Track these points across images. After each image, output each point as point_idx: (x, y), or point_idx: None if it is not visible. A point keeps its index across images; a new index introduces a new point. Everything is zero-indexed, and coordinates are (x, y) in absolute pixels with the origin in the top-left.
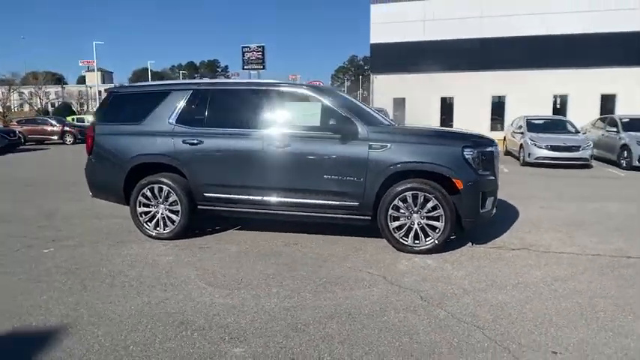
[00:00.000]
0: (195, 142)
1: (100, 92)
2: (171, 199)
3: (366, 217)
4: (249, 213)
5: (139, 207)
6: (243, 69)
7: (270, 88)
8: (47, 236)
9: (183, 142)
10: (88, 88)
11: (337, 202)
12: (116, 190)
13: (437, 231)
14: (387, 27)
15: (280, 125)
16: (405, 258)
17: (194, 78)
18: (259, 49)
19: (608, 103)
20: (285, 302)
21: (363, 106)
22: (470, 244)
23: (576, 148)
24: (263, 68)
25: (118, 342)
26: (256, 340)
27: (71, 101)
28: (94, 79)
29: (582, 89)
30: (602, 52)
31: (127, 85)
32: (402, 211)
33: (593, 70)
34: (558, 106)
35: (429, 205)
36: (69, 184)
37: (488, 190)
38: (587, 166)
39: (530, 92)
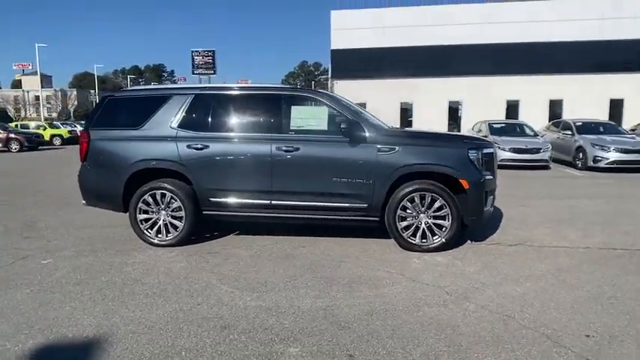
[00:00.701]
0: (200, 146)
1: (37, 97)
2: (174, 205)
3: (375, 218)
4: (256, 217)
5: (140, 214)
6: (193, 74)
7: (278, 92)
8: (39, 247)
9: (188, 146)
10: (25, 93)
11: (346, 204)
12: (114, 197)
13: (443, 230)
14: (347, 33)
15: (289, 129)
16: (414, 257)
17: (139, 83)
18: (209, 54)
19: (555, 107)
20: (319, 302)
21: (365, 111)
22: (469, 241)
23: (537, 151)
24: (214, 73)
25: (167, 349)
26: (307, 339)
27: (7, 106)
28: (30, 83)
29: (532, 95)
30: (550, 60)
31: (122, 89)
32: (409, 211)
33: (542, 76)
34: (510, 111)
35: (436, 205)
36: (34, 192)
37: (490, 189)
38: (547, 168)
39: (484, 98)
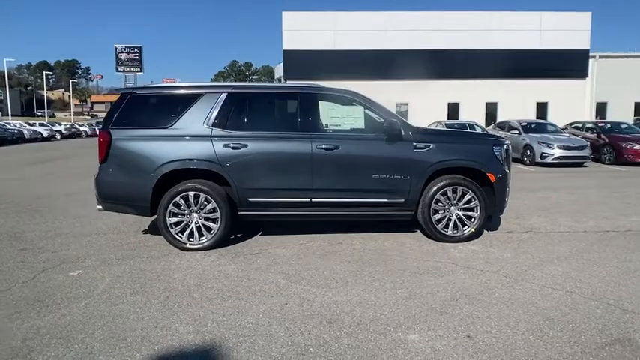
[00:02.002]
0: (238, 145)
1: None
2: (208, 207)
3: (410, 212)
4: (296, 215)
5: (170, 217)
6: (117, 71)
7: (315, 92)
8: (49, 259)
9: (225, 146)
10: None
11: (385, 200)
12: (141, 200)
13: (472, 220)
14: (299, 35)
15: (327, 128)
16: (450, 247)
17: (49, 78)
18: (135, 50)
19: (491, 109)
20: (400, 292)
21: (393, 111)
22: (486, 231)
23: None
24: (140, 70)
25: (291, 347)
26: (417, 325)
27: None
28: None
29: (472, 98)
30: (488, 65)
31: (144, 86)
32: (441, 204)
33: (480, 81)
34: (451, 112)
35: (466, 197)
36: None
37: (509, 182)
38: None
39: (429, 100)
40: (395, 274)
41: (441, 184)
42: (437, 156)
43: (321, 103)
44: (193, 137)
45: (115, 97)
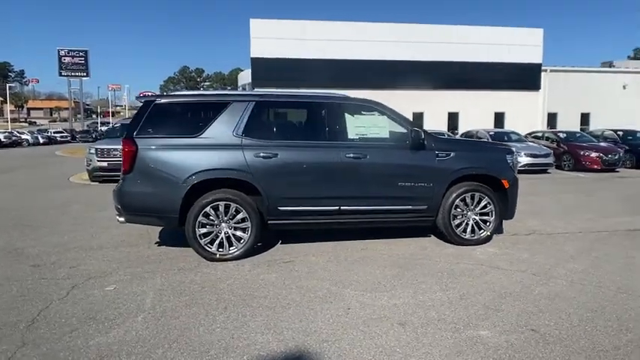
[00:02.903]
0: (269, 155)
1: None
2: (239, 217)
3: (431, 218)
4: (324, 224)
5: (200, 228)
6: (61, 75)
7: (341, 101)
8: (70, 274)
9: (256, 155)
10: None
11: (409, 207)
12: (169, 210)
13: (488, 224)
14: (267, 42)
15: (355, 137)
16: (469, 250)
17: None
18: (81, 54)
19: (453, 119)
20: (450, 293)
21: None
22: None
23: None
24: (86, 75)
25: (377, 348)
26: (482, 322)
27: None
28: None
29: (435, 107)
30: (450, 77)
31: (168, 94)
32: (459, 209)
33: (443, 91)
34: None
35: (482, 203)
36: None
37: (518, 187)
38: None
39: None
40: (434, 277)
41: (460, 190)
42: (457, 164)
43: (349, 113)
44: (224, 146)
45: (55, 104)
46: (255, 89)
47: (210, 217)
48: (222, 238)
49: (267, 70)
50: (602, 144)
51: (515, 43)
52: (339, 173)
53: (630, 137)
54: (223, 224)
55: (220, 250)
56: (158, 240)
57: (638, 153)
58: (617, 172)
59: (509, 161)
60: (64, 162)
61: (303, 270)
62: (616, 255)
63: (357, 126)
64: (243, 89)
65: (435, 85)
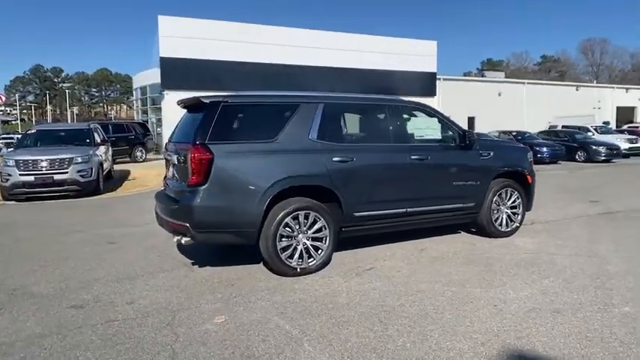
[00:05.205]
0: (347, 159)
1: None
2: (316, 226)
3: (476, 215)
4: (391, 227)
5: (280, 241)
6: None
7: (403, 104)
8: (145, 311)
9: (334, 160)
10: None
11: (460, 205)
12: (250, 224)
13: (517, 217)
14: (178, 41)
15: (416, 138)
16: (508, 241)
17: None
18: None
19: None
20: (552, 282)
21: None
22: None
23: None
24: None
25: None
26: (613, 301)
27: None
28: None
29: None
30: (358, 84)
31: (236, 94)
32: (495, 205)
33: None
34: None
35: (513, 197)
36: None
37: None
38: None
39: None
40: (519, 268)
41: (497, 187)
42: (497, 162)
43: (408, 115)
44: (302, 151)
45: None
46: (166, 90)
47: (290, 229)
48: (301, 251)
49: (179, 71)
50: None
51: (416, 54)
52: (407, 175)
53: (520, 137)
54: (300, 235)
55: (299, 262)
56: (193, 261)
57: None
58: None
59: (529, 159)
60: None
61: (396, 275)
62: (632, 235)
63: (416, 128)
64: (143, 93)
65: (342, 92)
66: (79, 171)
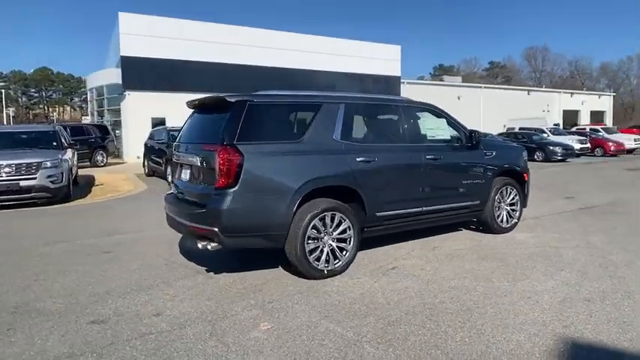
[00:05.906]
0: (370, 159)
1: None
2: (342, 227)
3: (479, 212)
4: (406, 226)
5: (308, 243)
6: None
7: (414, 105)
8: (177, 323)
9: (358, 160)
10: None
11: (467, 203)
12: (279, 227)
13: (515, 213)
14: (140, 40)
15: (428, 139)
16: (510, 236)
17: None
18: None
19: None
20: (570, 275)
21: None
22: None
23: None
24: None
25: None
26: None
27: None
28: None
29: None
30: (321, 85)
31: (259, 93)
32: (496, 202)
33: None
34: None
35: (512, 195)
36: None
37: None
38: None
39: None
40: (534, 262)
41: (499, 185)
42: (498, 161)
43: (419, 116)
44: (327, 151)
45: None
46: (127, 90)
47: (316, 231)
48: (327, 252)
49: (142, 71)
50: None
51: (381, 58)
52: (423, 175)
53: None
54: (326, 237)
55: (325, 264)
56: (205, 268)
57: None
58: None
59: (524, 157)
60: None
61: (421, 273)
62: (617, 226)
63: (427, 128)
64: (99, 94)
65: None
66: (48, 176)
